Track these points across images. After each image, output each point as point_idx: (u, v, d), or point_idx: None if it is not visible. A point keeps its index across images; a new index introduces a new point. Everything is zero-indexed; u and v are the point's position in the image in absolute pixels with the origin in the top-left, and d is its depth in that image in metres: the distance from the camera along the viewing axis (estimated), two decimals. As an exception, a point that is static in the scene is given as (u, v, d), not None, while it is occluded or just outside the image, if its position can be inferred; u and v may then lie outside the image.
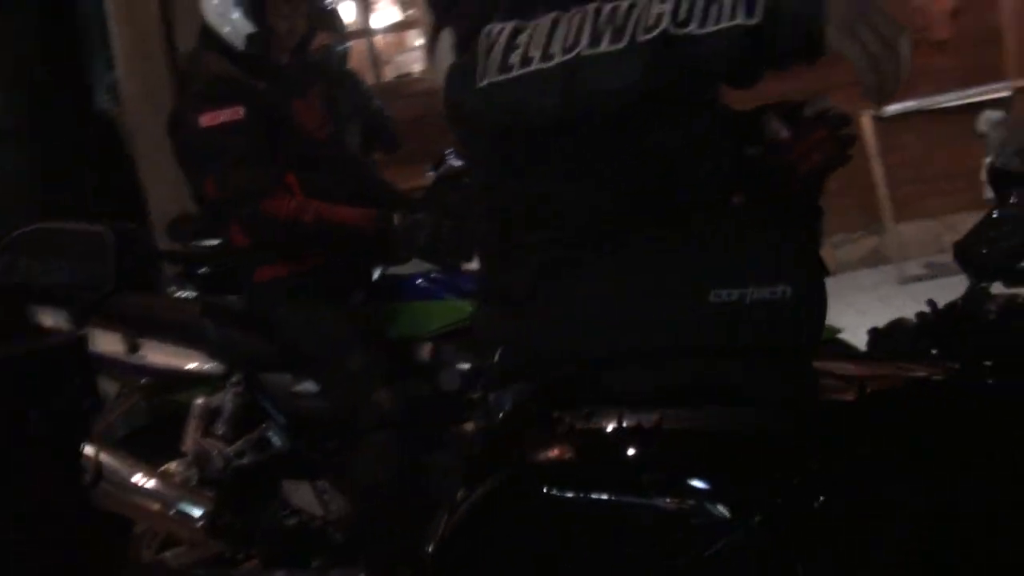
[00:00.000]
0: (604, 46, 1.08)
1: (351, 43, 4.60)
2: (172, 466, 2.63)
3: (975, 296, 1.38)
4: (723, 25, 1.04)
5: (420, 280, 2.74)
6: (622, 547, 1.13)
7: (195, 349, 2.70)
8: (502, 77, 1.11)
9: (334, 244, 2.65)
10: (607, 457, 1.15)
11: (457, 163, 4.20)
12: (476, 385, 2.64)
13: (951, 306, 1.38)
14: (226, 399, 2.67)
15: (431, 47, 1.22)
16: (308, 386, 2.71)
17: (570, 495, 1.15)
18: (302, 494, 2.69)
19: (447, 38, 1.17)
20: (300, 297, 2.70)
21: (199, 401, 2.66)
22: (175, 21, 4.52)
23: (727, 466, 1.12)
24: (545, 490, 1.18)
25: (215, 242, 3.32)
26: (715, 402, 1.15)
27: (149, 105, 4.41)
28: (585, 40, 1.08)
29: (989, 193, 5.14)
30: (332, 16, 4.01)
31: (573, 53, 1.09)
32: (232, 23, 2.63)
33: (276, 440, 2.68)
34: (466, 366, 2.69)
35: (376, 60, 5.99)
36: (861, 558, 1.08)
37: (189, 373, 2.70)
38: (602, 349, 1.19)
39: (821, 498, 1.09)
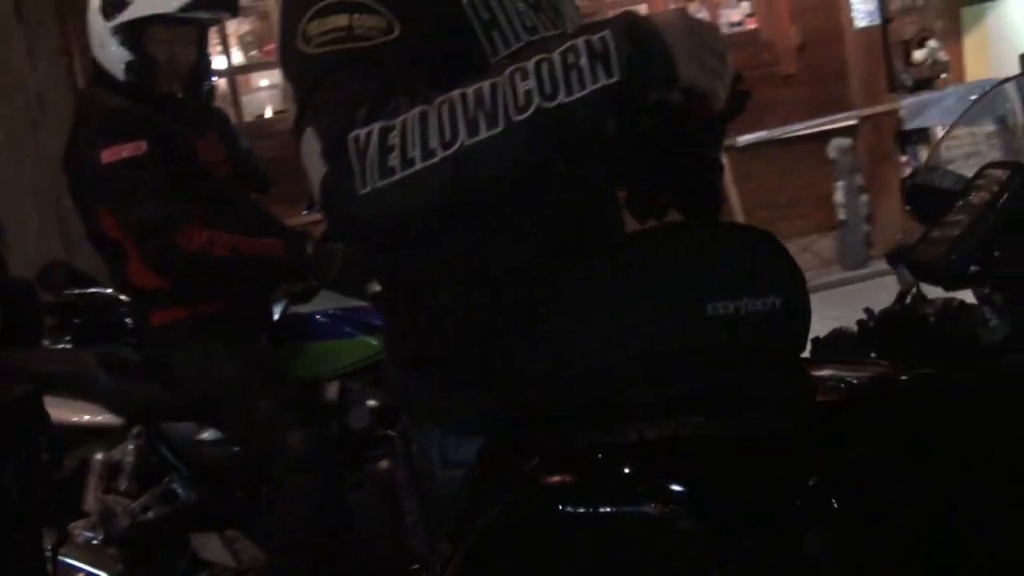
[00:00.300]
0: (483, 133, 1.10)
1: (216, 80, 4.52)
2: (76, 526, 2.49)
3: (914, 301, 1.44)
4: (588, 90, 1.10)
5: (324, 317, 2.70)
6: (644, 562, 1.13)
7: (90, 402, 2.58)
8: (384, 182, 1.11)
9: (246, 277, 2.59)
10: (625, 470, 1.15)
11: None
12: (386, 422, 2.66)
13: (891, 312, 1.44)
14: (127, 452, 2.56)
15: (297, 140, 1.20)
16: (212, 433, 2.62)
17: (585, 512, 1.15)
18: (212, 546, 2.60)
19: (311, 138, 1.16)
20: (199, 340, 2.61)
21: (98, 456, 2.54)
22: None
23: (743, 472, 1.13)
24: (560, 509, 1.17)
25: (92, 290, 3.19)
26: (720, 408, 1.17)
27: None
28: (463, 131, 1.10)
29: (842, 215, 5.42)
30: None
31: (456, 146, 1.10)
32: (111, 53, 2.55)
33: (182, 492, 2.58)
34: (374, 403, 2.66)
35: (235, 100, 5.88)
36: (868, 560, 1.11)
37: (86, 427, 2.57)
38: (606, 369, 1.19)
39: (834, 500, 1.12)
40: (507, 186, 1.17)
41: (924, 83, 6.27)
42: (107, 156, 2.44)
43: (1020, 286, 1.27)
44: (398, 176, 1.11)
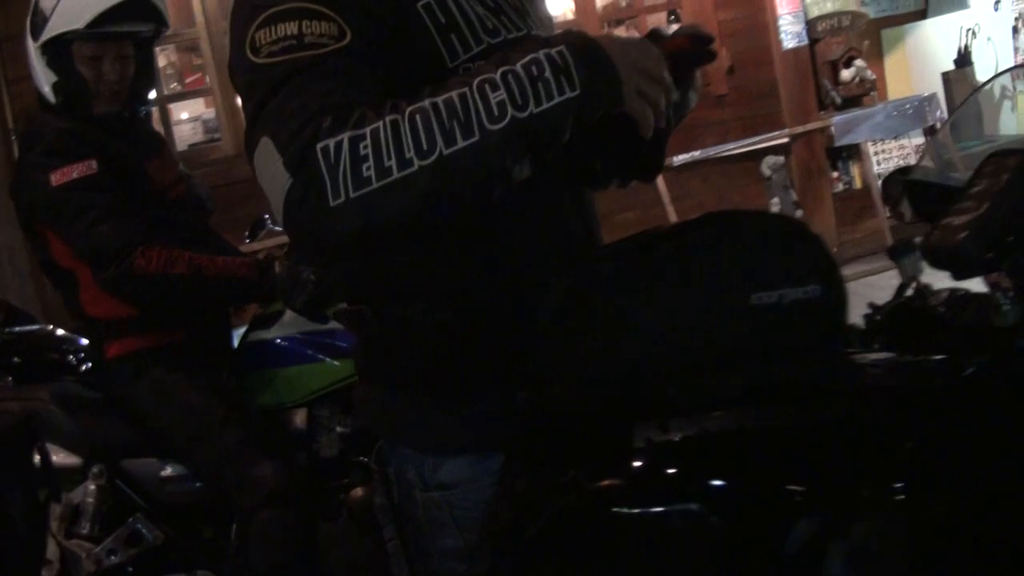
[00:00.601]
0: (460, 143, 1.11)
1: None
2: None
3: (918, 293, 1.44)
4: (554, 101, 1.13)
5: (287, 342, 2.61)
6: (711, 559, 1.09)
7: (46, 441, 2.46)
8: (360, 192, 1.09)
9: (209, 299, 2.49)
10: (688, 467, 1.11)
11: (277, 228, 4.08)
12: (358, 449, 2.57)
13: (900, 305, 1.43)
14: (87, 493, 2.44)
15: (249, 153, 1.17)
16: (176, 469, 2.52)
17: (651, 513, 1.10)
18: (182, 588, 2.49)
19: (269, 150, 1.13)
20: (157, 372, 2.51)
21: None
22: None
23: (808, 464, 1.11)
24: (624, 511, 1.12)
25: (29, 328, 3.07)
26: (775, 400, 1.15)
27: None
28: (440, 140, 1.10)
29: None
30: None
31: (434, 155, 1.10)
32: (39, 74, 2.46)
33: (147, 532, 2.46)
34: (343, 429, 2.59)
35: (167, 129, 5.78)
36: (935, 547, 1.08)
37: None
38: (653, 361, 1.16)
39: (897, 487, 1.09)
40: (482, 193, 1.16)
41: (853, 100, 6.43)
42: (57, 178, 2.34)
43: None
44: (374, 186, 1.09)
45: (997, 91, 1.95)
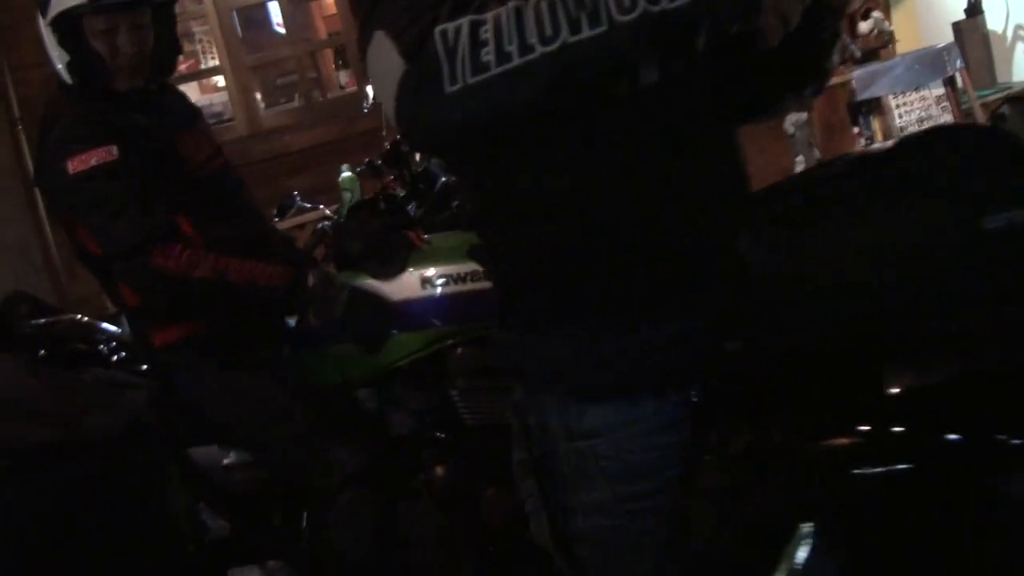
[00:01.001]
0: (586, 32, 1.04)
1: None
2: None
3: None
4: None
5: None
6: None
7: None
8: (478, 78, 1.05)
9: (231, 304, 2.29)
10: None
11: (306, 204, 3.93)
12: (433, 426, 2.43)
13: None
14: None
15: (362, 53, 1.13)
16: (241, 456, 2.36)
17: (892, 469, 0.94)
18: (253, 580, 2.34)
19: (383, 42, 1.08)
20: (212, 360, 2.34)
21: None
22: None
23: None
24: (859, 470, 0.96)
25: (55, 318, 2.91)
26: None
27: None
28: (565, 28, 1.04)
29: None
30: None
31: (557, 43, 1.04)
32: (53, 54, 2.25)
33: (212, 523, 2.31)
34: (416, 407, 2.44)
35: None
36: None
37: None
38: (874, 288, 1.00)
39: None
40: (606, 87, 1.10)
41: (871, 54, 6.28)
42: (74, 166, 2.14)
43: None
44: (493, 72, 1.05)
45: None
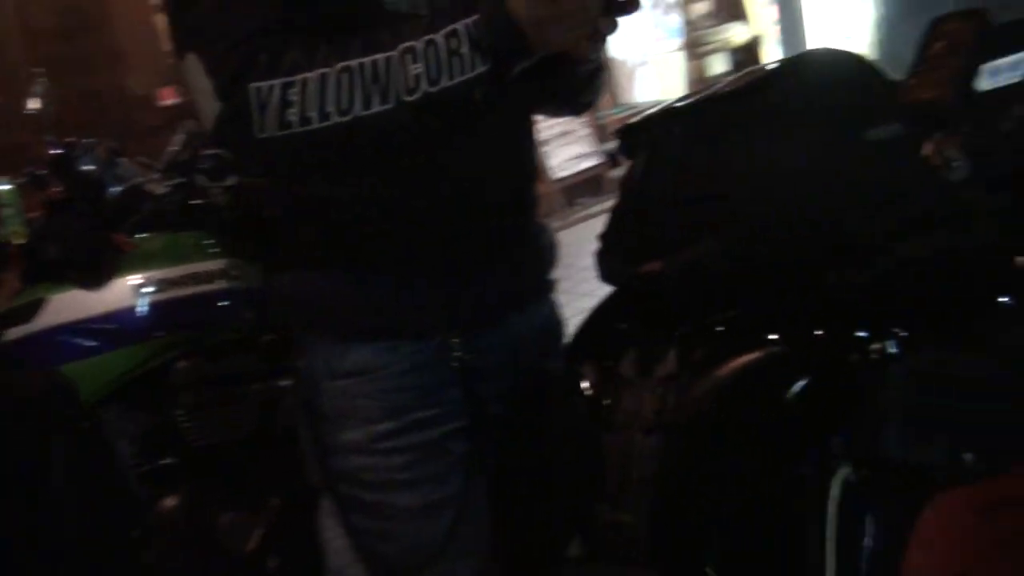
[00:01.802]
0: (375, 107, 1.19)
1: None
2: None
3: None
4: (466, 76, 1.19)
5: (58, 336, 2.12)
6: None
7: None
8: (282, 133, 1.18)
9: None
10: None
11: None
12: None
13: None
14: None
15: (178, 57, 1.25)
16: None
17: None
18: None
19: (196, 66, 1.21)
20: None
21: None
22: None
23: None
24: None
25: None
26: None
27: None
28: (358, 103, 1.19)
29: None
30: None
31: (351, 115, 1.19)
32: None
33: None
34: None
35: None
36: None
37: None
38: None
39: None
40: (396, 145, 1.25)
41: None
42: None
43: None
44: (296, 130, 1.19)
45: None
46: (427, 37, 1.20)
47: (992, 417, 1.01)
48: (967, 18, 1.30)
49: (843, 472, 0.91)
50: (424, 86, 1.19)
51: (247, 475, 2.33)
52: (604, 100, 7.61)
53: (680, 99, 1.14)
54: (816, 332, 0.99)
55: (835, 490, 0.91)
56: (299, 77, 1.19)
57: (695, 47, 9.00)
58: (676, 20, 8.22)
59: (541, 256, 1.59)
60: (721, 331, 1.01)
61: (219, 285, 2.27)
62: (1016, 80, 1.37)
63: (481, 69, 1.19)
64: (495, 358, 1.49)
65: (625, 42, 8.93)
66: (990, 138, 1.24)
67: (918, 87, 1.27)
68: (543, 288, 1.62)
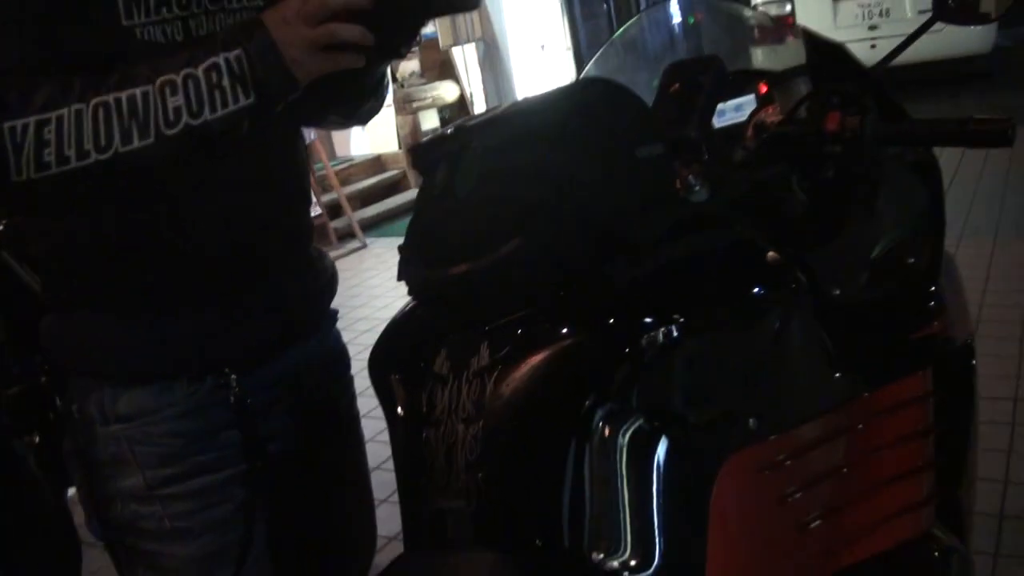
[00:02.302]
0: (136, 143, 1.17)
1: None
2: None
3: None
4: (229, 109, 1.19)
5: None
6: None
7: None
8: (40, 174, 1.15)
9: None
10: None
11: None
12: None
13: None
14: None
15: None
16: None
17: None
18: None
19: None
20: None
21: None
22: None
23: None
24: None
25: None
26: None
27: None
28: (117, 139, 1.16)
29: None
30: None
31: (111, 151, 1.16)
32: None
33: None
34: None
35: None
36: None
37: None
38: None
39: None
40: (159, 176, 1.24)
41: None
42: None
43: None
44: (53, 171, 1.16)
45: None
46: (186, 71, 1.18)
47: (762, 387, 1.14)
48: (704, 65, 1.44)
49: (636, 422, 1.00)
50: (185, 118, 1.17)
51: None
52: (317, 154, 7.63)
53: (468, 119, 1.22)
54: (608, 321, 1.07)
55: (625, 439, 1.00)
56: (53, 114, 1.14)
57: (407, 103, 9.21)
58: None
59: (318, 284, 1.59)
60: (526, 325, 1.08)
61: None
62: (741, 120, 1.61)
63: (245, 102, 1.18)
64: (274, 394, 1.47)
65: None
66: (724, 168, 1.39)
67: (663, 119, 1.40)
68: (322, 318, 1.62)
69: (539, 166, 1.08)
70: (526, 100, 1.22)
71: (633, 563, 1.00)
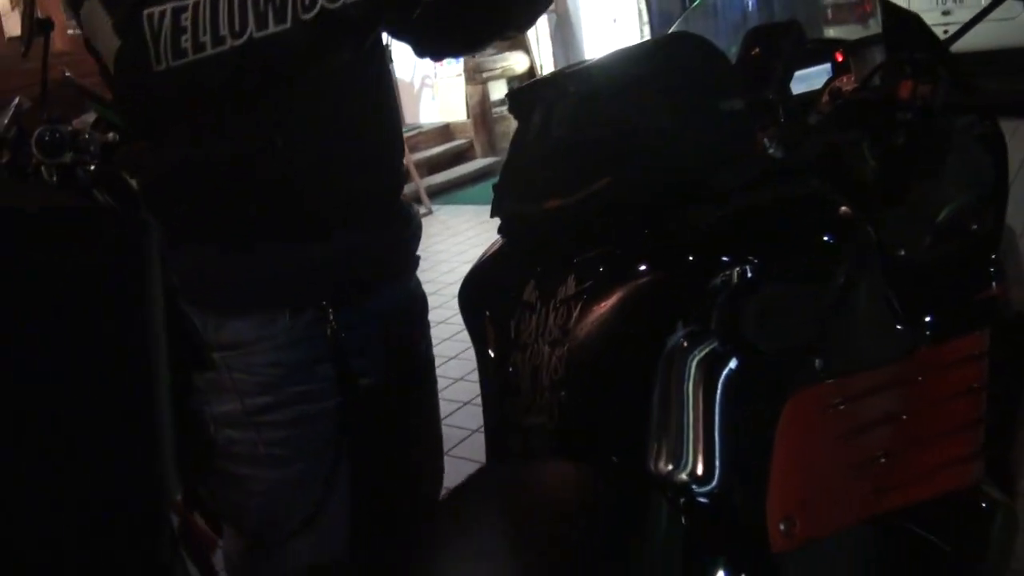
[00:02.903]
0: (271, 28, 1.14)
1: None
2: None
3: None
4: None
5: None
6: None
7: None
8: (178, 62, 1.15)
9: None
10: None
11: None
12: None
13: None
14: None
15: (75, 11, 1.22)
16: None
17: None
18: None
19: (96, 9, 1.18)
20: None
21: None
22: None
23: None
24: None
25: None
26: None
27: None
28: (252, 23, 1.14)
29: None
30: None
31: (245, 37, 1.14)
32: None
33: None
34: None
35: None
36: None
37: None
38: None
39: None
40: (293, 72, 1.22)
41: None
42: None
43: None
44: (190, 58, 1.15)
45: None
46: None
47: (829, 331, 1.21)
48: (784, 29, 1.49)
49: (710, 344, 1.08)
50: (321, 1, 1.13)
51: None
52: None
53: (567, 67, 1.29)
54: (688, 258, 1.15)
55: (698, 359, 1.09)
56: (191, 1, 1.14)
57: (477, 73, 9.29)
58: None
59: (409, 229, 1.65)
60: (611, 259, 1.17)
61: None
62: (818, 87, 1.67)
63: None
64: (365, 331, 1.53)
65: (410, 65, 9.10)
66: (800, 131, 1.45)
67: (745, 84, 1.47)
68: (410, 262, 1.71)
69: (629, 114, 1.16)
70: (618, 51, 1.29)
71: (697, 476, 1.09)
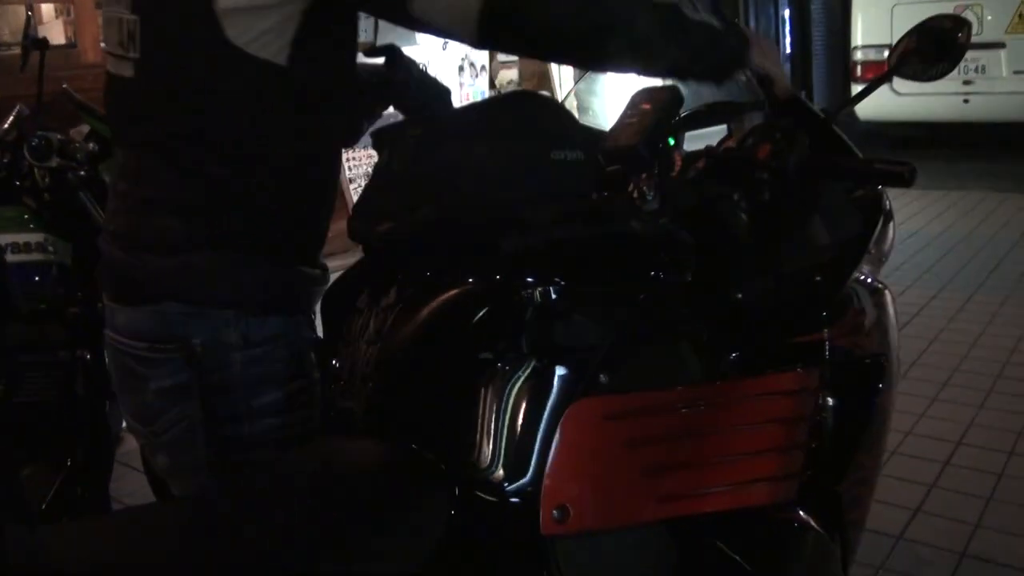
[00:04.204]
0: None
1: None
2: None
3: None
4: (705, 19, 1.44)
5: None
6: None
7: None
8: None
9: None
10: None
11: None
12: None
13: None
14: None
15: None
16: None
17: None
18: None
19: None
20: None
21: None
22: None
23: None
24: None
25: None
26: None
27: None
28: None
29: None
30: None
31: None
32: None
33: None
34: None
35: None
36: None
37: None
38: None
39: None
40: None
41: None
42: None
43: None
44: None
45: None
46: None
47: (618, 351, 1.39)
48: (666, 89, 1.69)
49: (509, 352, 1.27)
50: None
51: (48, 433, 2.53)
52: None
53: (413, 118, 1.50)
54: (497, 277, 1.35)
55: (497, 365, 1.26)
56: None
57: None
58: (484, 83, 8.70)
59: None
60: (429, 274, 1.37)
61: (35, 257, 2.45)
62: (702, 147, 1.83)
63: (716, 24, 1.46)
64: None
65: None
66: (672, 183, 1.62)
67: (619, 135, 1.65)
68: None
69: (457, 156, 1.37)
70: (470, 103, 1.50)
71: (484, 463, 1.27)
